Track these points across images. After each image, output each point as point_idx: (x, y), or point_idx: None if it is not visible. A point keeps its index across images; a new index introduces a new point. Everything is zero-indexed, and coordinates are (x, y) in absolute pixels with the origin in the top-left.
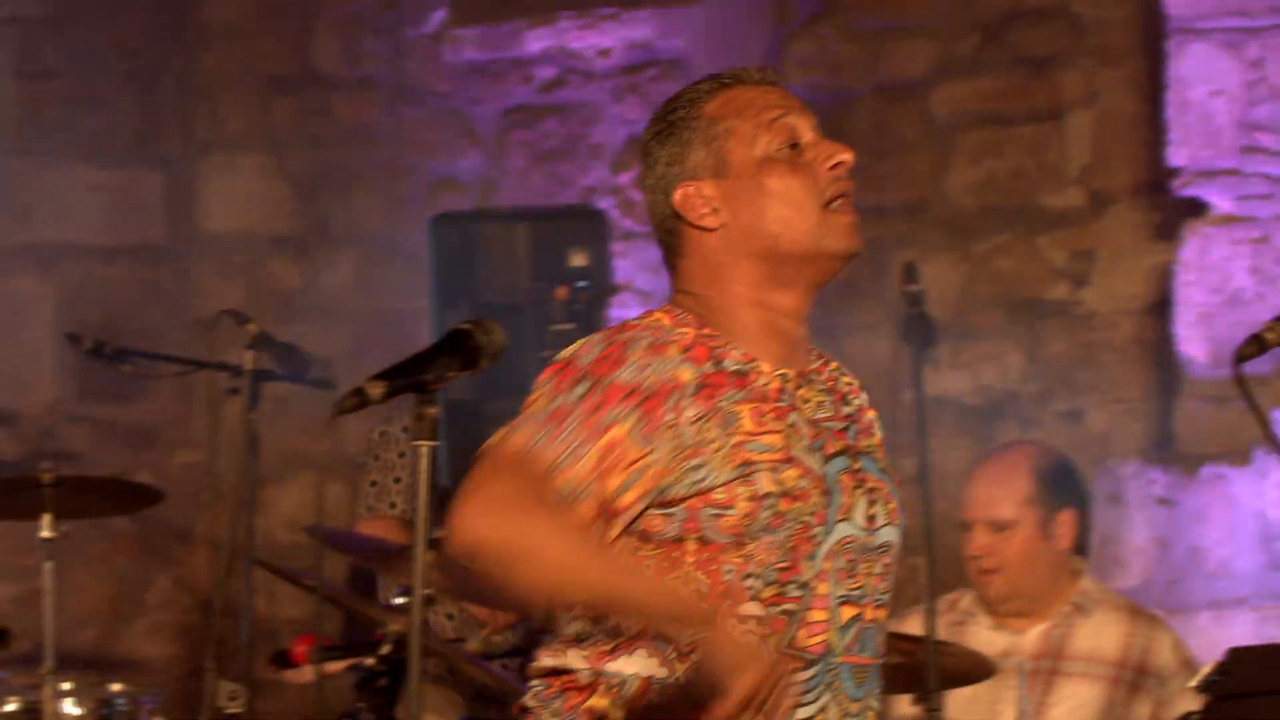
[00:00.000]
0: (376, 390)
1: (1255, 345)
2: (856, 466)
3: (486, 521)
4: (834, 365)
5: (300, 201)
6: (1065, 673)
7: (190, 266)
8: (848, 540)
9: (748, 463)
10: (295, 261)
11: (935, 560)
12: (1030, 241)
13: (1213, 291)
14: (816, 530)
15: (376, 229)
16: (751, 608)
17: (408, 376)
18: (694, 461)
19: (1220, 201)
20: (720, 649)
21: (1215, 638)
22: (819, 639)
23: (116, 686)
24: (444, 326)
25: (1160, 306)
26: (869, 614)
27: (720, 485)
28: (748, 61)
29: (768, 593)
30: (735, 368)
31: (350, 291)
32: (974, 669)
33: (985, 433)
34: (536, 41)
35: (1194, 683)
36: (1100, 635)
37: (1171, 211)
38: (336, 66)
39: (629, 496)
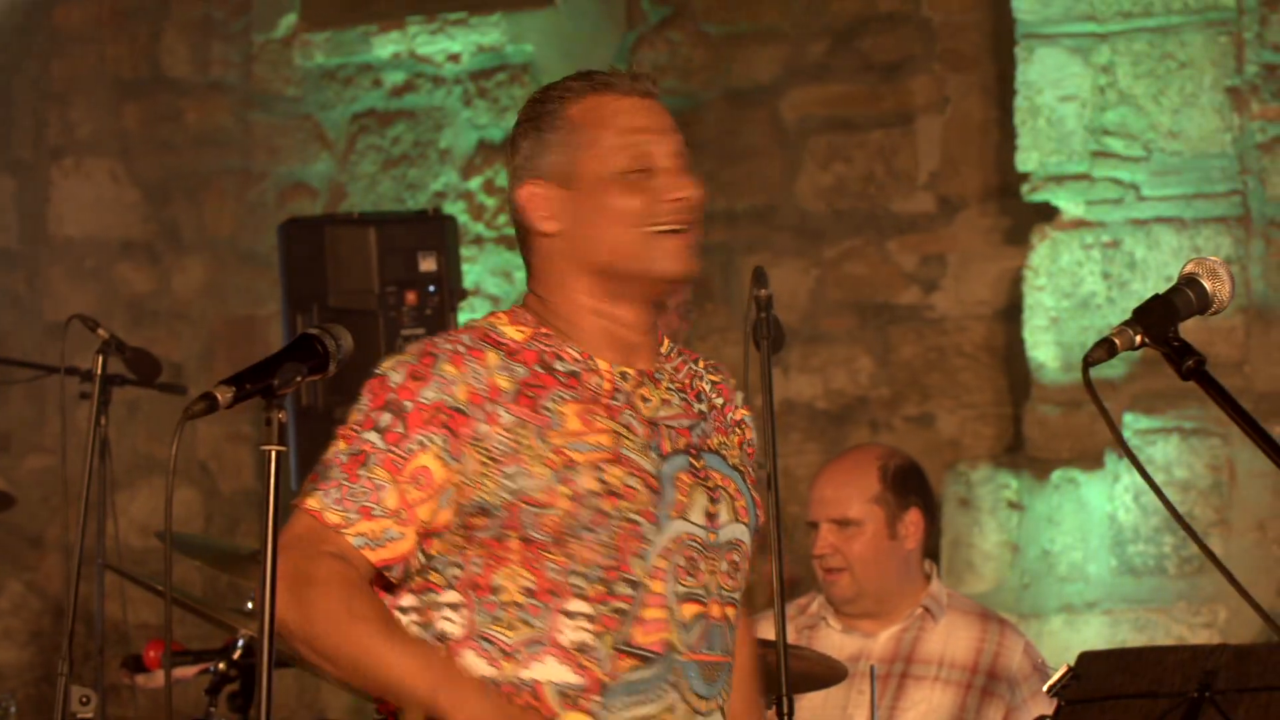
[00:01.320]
0: (225, 395)
1: (1105, 350)
2: (699, 465)
3: (279, 601)
4: (702, 364)
5: (151, 206)
6: (916, 676)
7: (41, 271)
8: (686, 538)
9: (570, 463)
10: (146, 266)
11: (784, 563)
12: (880, 246)
13: (1063, 296)
14: (646, 528)
15: (227, 234)
16: (579, 605)
17: (256, 382)
18: (509, 469)
19: (1070, 206)
20: None
21: (1067, 641)
22: (657, 637)
23: None
24: (295, 331)
25: (1010, 311)
26: (715, 611)
27: (539, 488)
28: (597, 66)
29: (594, 590)
30: (568, 369)
31: (201, 296)
32: (826, 673)
33: (836, 437)
34: (385, 46)
35: (1046, 687)
36: (951, 640)
37: (1021, 216)
38: (186, 71)
39: (445, 515)
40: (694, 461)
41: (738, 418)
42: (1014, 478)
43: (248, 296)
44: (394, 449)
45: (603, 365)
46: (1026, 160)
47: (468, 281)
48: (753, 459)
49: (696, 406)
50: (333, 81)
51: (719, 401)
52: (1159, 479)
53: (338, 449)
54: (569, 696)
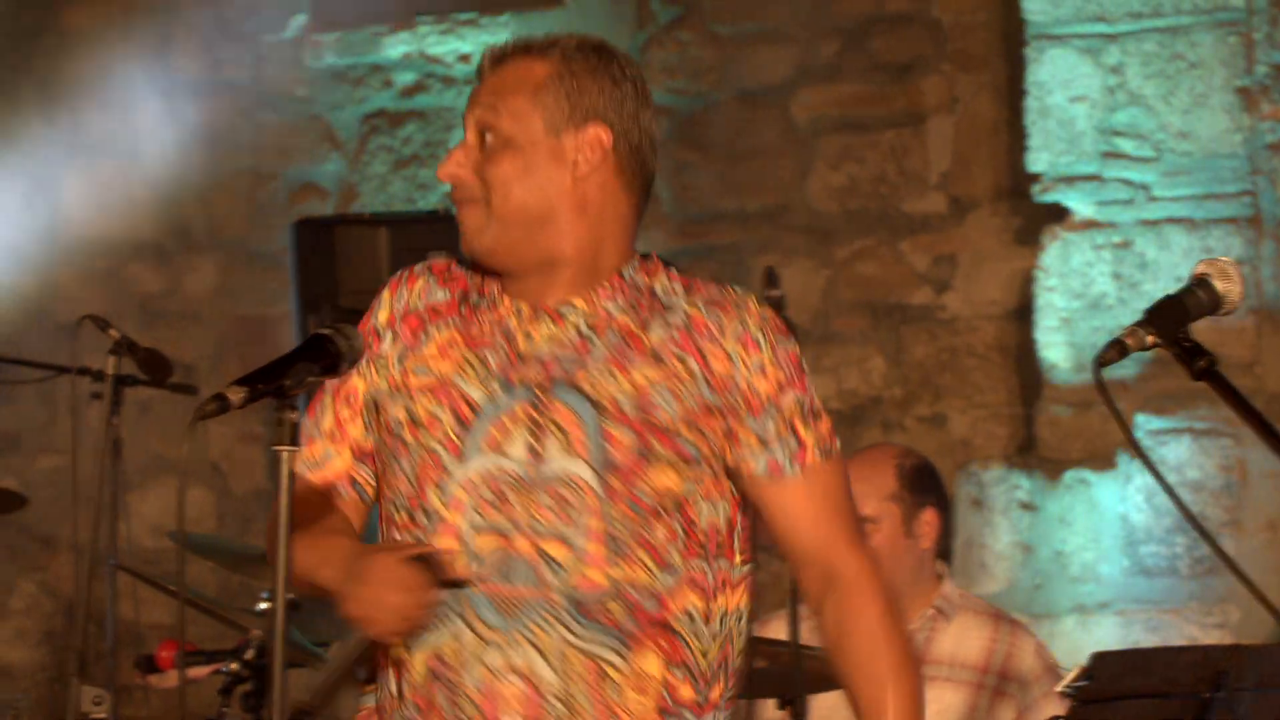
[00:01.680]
0: (237, 395)
1: (1116, 350)
2: (544, 399)
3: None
4: (696, 300)
5: (161, 206)
6: (928, 677)
7: (52, 271)
8: (496, 471)
9: (397, 388)
10: (157, 266)
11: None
12: (892, 246)
13: (1074, 296)
14: (446, 459)
15: (238, 234)
16: (396, 534)
17: (268, 382)
18: (382, 389)
19: (1081, 207)
20: (353, 610)
21: (1080, 642)
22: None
23: None
24: (306, 331)
25: (1022, 311)
26: (520, 545)
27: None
28: None
29: (401, 519)
30: (475, 301)
31: (212, 296)
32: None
33: (848, 437)
34: (396, 46)
35: (1059, 688)
36: (963, 640)
37: (1033, 217)
38: (197, 71)
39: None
40: (539, 396)
41: (713, 349)
42: (1026, 478)
43: (259, 296)
44: (341, 380)
45: (505, 301)
46: (1037, 161)
47: None
48: (723, 391)
49: (592, 343)
50: (343, 82)
51: (666, 337)
52: (1171, 479)
53: None
54: None
